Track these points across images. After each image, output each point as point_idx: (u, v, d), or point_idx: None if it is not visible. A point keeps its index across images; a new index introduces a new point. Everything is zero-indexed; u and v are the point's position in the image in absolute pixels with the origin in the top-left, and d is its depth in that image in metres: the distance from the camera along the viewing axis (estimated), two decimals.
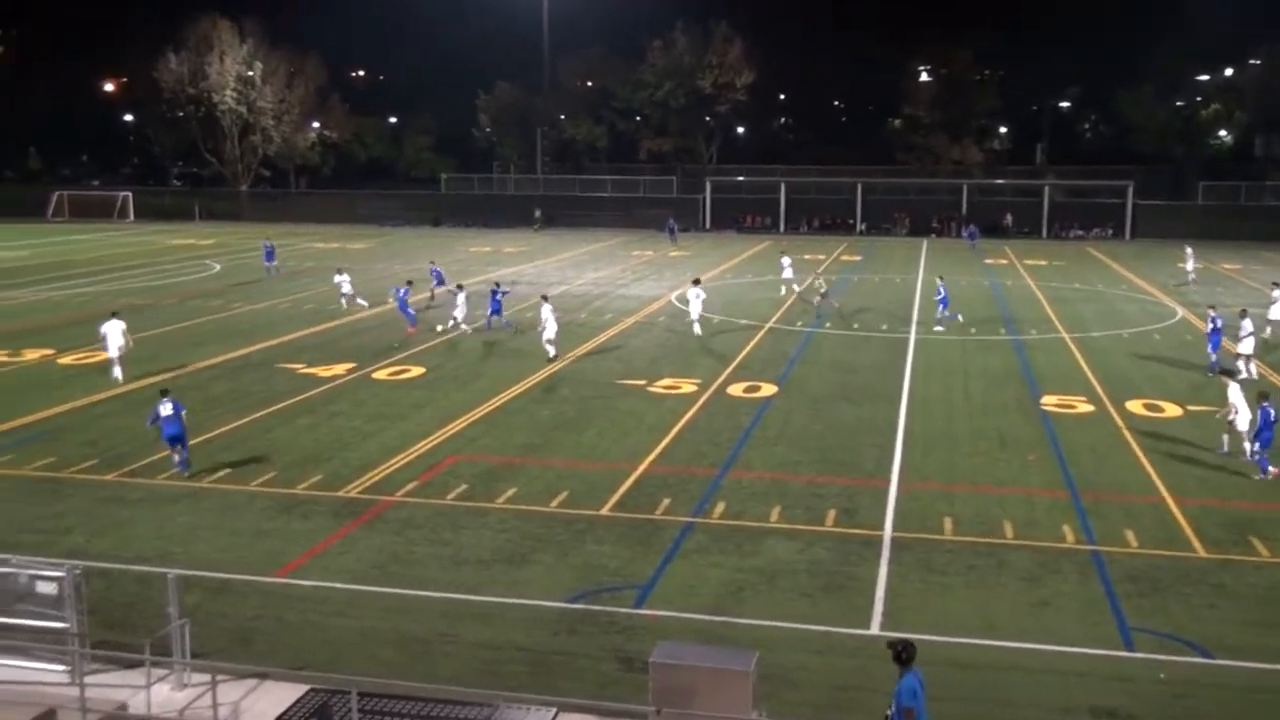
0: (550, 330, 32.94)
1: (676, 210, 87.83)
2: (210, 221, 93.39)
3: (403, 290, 39.12)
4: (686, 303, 39.99)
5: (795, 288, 47.42)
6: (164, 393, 22.07)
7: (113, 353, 29.82)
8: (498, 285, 39.52)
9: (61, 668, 13.73)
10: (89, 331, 34.94)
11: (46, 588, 13.63)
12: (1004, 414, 26.90)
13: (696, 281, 40.15)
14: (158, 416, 21.61)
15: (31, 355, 33.46)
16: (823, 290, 43.74)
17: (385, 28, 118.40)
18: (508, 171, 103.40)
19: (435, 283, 45.84)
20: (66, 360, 32.33)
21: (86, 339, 34.04)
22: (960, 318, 40.14)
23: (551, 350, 32.86)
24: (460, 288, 39.15)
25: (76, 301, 45.08)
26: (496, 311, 38.21)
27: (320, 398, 28.30)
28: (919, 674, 10.83)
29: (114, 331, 29.93)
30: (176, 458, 21.81)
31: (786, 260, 49.24)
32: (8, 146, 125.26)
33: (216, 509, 19.90)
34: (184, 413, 21.93)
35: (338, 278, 44.35)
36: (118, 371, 29.70)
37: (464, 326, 37.47)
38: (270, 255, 54.20)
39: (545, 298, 35.13)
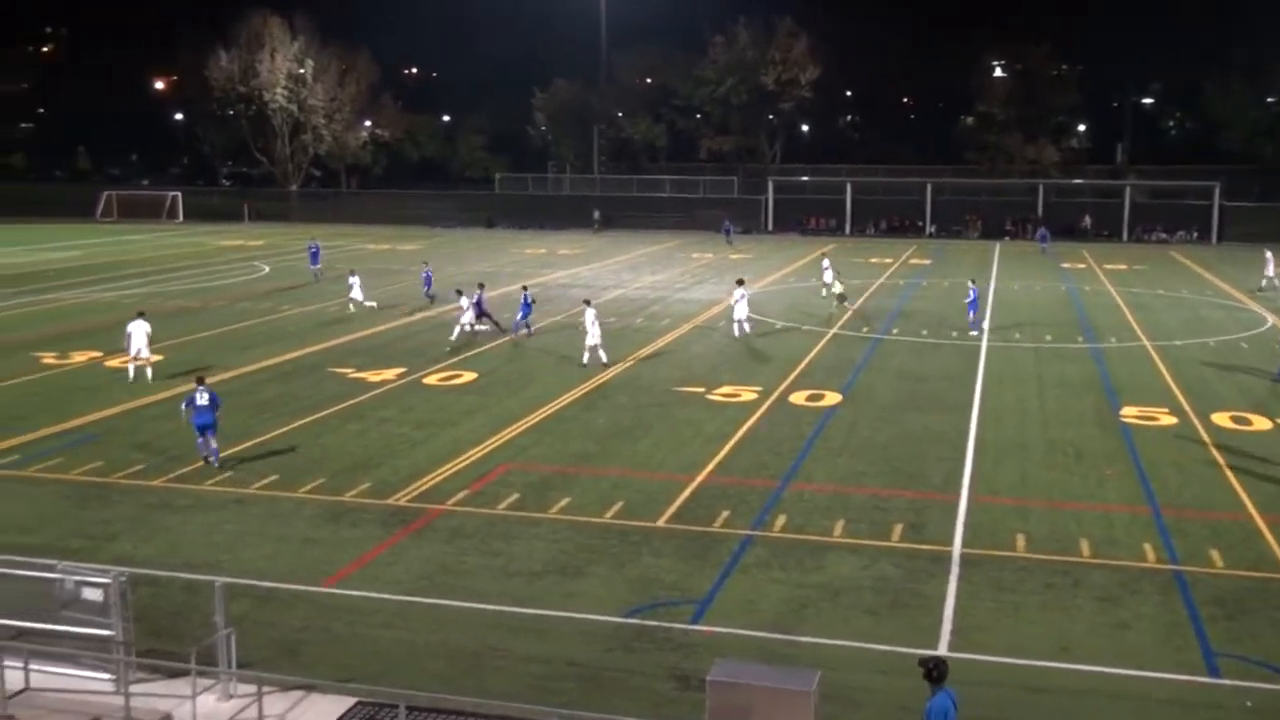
0: (592, 336, 33.04)
1: (737, 211, 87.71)
2: (260, 222, 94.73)
3: (477, 295, 38.89)
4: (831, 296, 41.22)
5: (838, 289, 47.23)
6: (200, 380, 23.40)
7: (133, 353, 30.90)
8: (525, 289, 39.97)
9: (107, 676, 13.96)
10: None
11: (92, 594, 13.86)
12: (1081, 425, 26.55)
13: (740, 282, 40.05)
14: (192, 401, 22.77)
15: (80, 358, 34.12)
16: (836, 291, 43.79)
17: (439, 24, 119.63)
18: (563, 171, 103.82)
19: (425, 287, 46.11)
20: (115, 363, 32.89)
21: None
22: (986, 325, 39.80)
23: (587, 357, 32.92)
24: (459, 293, 39.43)
25: (126, 303, 45.87)
26: (526, 315, 38.53)
27: (370, 403, 28.58)
28: (952, 693, 10.72)
29: (138, 332, 30.94)
30: (206, 448, 22.93)
31: (827, 263, 49.44)
32: (57, 146, 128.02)
33: (264, 516, 20.15)
34: (220, 407, 23.07)
35: (350, 279, 44.81)
36: (133, 371, 30.83)
37: (467, 328, 37.59)
38: (315, 257, 54.38)
39: (588, 302, 35.27)
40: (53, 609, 14.00)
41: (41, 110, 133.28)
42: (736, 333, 37.74)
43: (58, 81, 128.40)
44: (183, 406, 23.24)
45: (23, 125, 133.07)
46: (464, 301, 38.13)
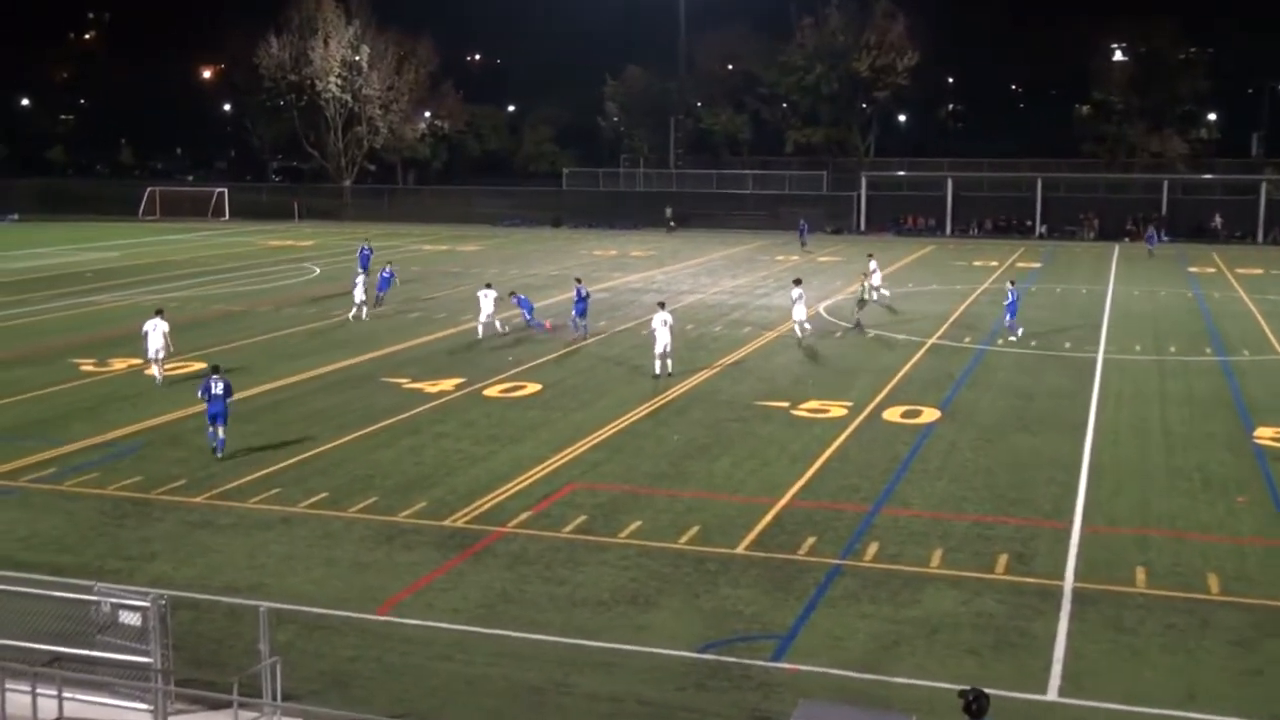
0: (661, 343, 33.15)
1: (827, 210, 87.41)
2: (310, 220, 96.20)
3: (519, 298, 40.42)
4: (870, 303, 41.44)
5: (884, 293, 47.29)
6: (215, 369, 25.72)
7: (151, 354, 32.12)
8: (579, 282, 40.89)
9: (144, 706, 14.18)
10: (182, 340, 36.25)
11: (130, 619, 14.11)
12: (1209, 448, 26.07)
13: (798, 282, 40.85)
14: (208, 389, 24.86)
15: (119, 365, 34.85)
16: (870, 296, 43.42)
17: (504, 7, 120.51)
18: (637, 166, 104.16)
19: (380, 289, 46.46)
20: (152, 370, 33.49)
21: (180, 347, 35.21)
22: (1021, 331, 39.48)
23: (659, 366, 33.13)
24: (488, 287, 40.58)
25: (169, 307, 46.63)
26: (582, 313, 39.42)
27: (426, 416, 28.85)
28: None
29: (155, 332, 32.12)
30: (215, 437, 24.84)
31: (874, 264, 48.83)
32: (98, 139, 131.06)
33: (312, 537, 20.41)
34: (231, 396, 25.40)
35: (356, 279, 44.85)
36: (156, 372, 32.17)
37: (480, 326, 39.58)
38: (365, 261, 53.48)
39: (662, 305, 35.36)
40: (88, 633, 14.27)
41: (82, 101, 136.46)
42: (799, 334, 38.60)
43: (99, 71, 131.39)
44: (199, 394, 25.52)
45: (62, 117, 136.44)
46: (482, 298, 39.73)
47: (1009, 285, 41.75)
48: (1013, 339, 38.95)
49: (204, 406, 25.29)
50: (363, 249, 55.48)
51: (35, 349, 37.88)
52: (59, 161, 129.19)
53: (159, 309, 34.22)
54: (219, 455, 24.68)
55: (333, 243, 76.34)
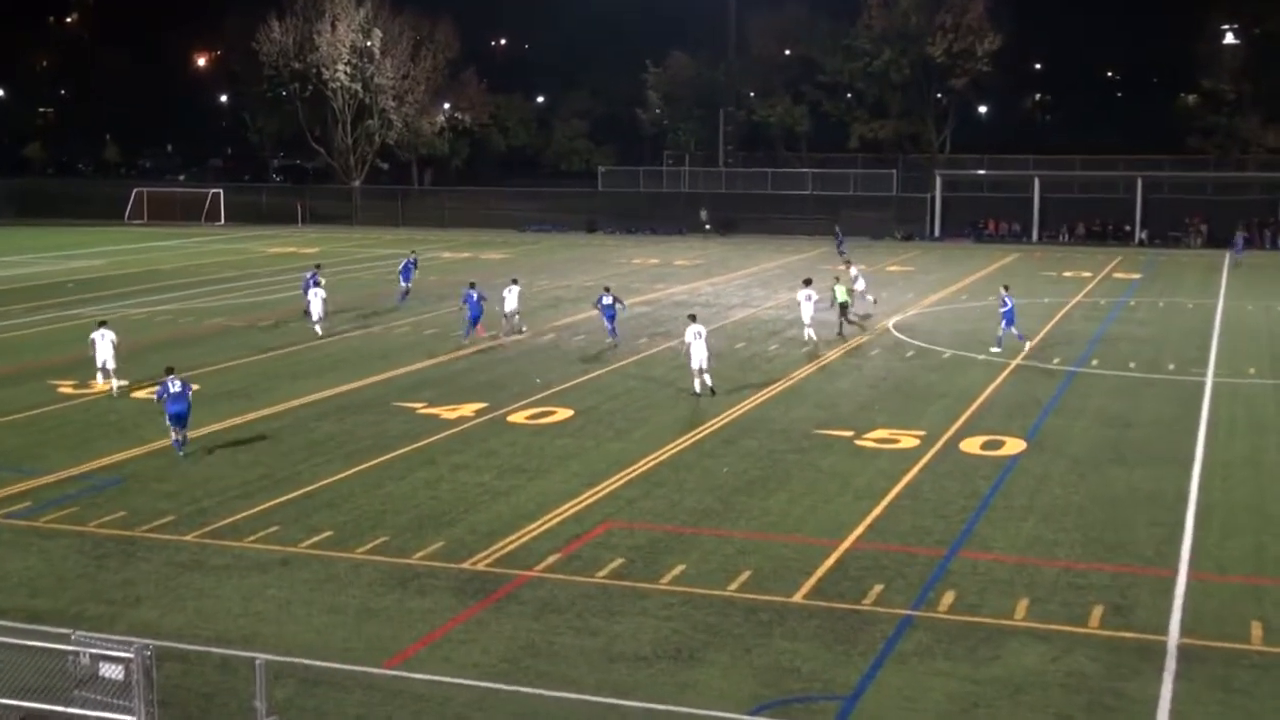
0: (697, 358, 33.57)
1: (897, 213, 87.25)
2: (316, 225, 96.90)
3: (471, 294, 42.94)
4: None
5: (869, 298, 48.68)
6: (169, 370, 28.46)
7: (99, 365, 34.30)
8: (607, 290, 42.95)
9: None
10: (173, 359, 36.51)
11: (112, 671, 14.16)
12: None
13: (808, 282, 43.17)
14: (165, 391, 27.51)
15: (102, 386, 35.10)
16: (841, 300, 44.16)
17: None
18: (682, 164, 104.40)
19: (306, 300, 46.25)
20: (143, 393, 33.80)
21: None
22: (1027, 343, 40.58)
23: (699, 385, 33.66)
24: (514, 283, 45.17)
25: (158, 322, 47.28)
26: (612, 319, 41.74)
27: (443, 445, 28.93)
28: None
29: (103, 342, 34.36)
30: (176, 438, 27.73)
31: (855, 270, 50.13)
32: (81, 134, 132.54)
33: (315, 581, 20.48)
34: (191, 392, 28.12)
35: (313, 289, 44.77)
36: (115, 388, 34.10)
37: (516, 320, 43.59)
38: (408, 272, 52.90)
39: (693, 317, 35.70)
40: (65, 687, 14.34)
41: (63, 92, 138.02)
42: (807, 338, 41.77)
43: (82, 58, 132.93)
44: (156, 398, 28.43)
45: (41, 110, 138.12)
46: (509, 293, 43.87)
47: (1003, 291, 42.19)
48: (994, 350, 39.98)
49: (203, 430, 25.83)
50: (408, 260, 54.23)
51: (9, 369, 38.31)
52: (37, 159, 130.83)
53: (103, 320, 36.76)
54: (181, 453, 27.58)
55: (341, 250, 76.87)
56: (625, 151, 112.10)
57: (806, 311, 41.82)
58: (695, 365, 33.63)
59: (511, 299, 44.16)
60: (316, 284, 45.16)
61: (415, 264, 54.22)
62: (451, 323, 46.02)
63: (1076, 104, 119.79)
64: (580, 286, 57.26)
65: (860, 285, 48.63)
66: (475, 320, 42.31)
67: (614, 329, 41.64)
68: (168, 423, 27.83)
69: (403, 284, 52.24)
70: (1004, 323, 40.54)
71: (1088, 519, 23.60)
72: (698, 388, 33.73)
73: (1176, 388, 35.50)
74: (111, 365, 34.22)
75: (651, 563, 21.15)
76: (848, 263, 54.15)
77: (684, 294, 55.96)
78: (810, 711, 16.03)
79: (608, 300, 41.46)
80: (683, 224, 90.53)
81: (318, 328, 43.70)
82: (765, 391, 34.73)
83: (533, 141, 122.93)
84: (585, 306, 50.19)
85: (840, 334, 43.29)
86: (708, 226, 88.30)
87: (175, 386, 27.46)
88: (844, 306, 44.03)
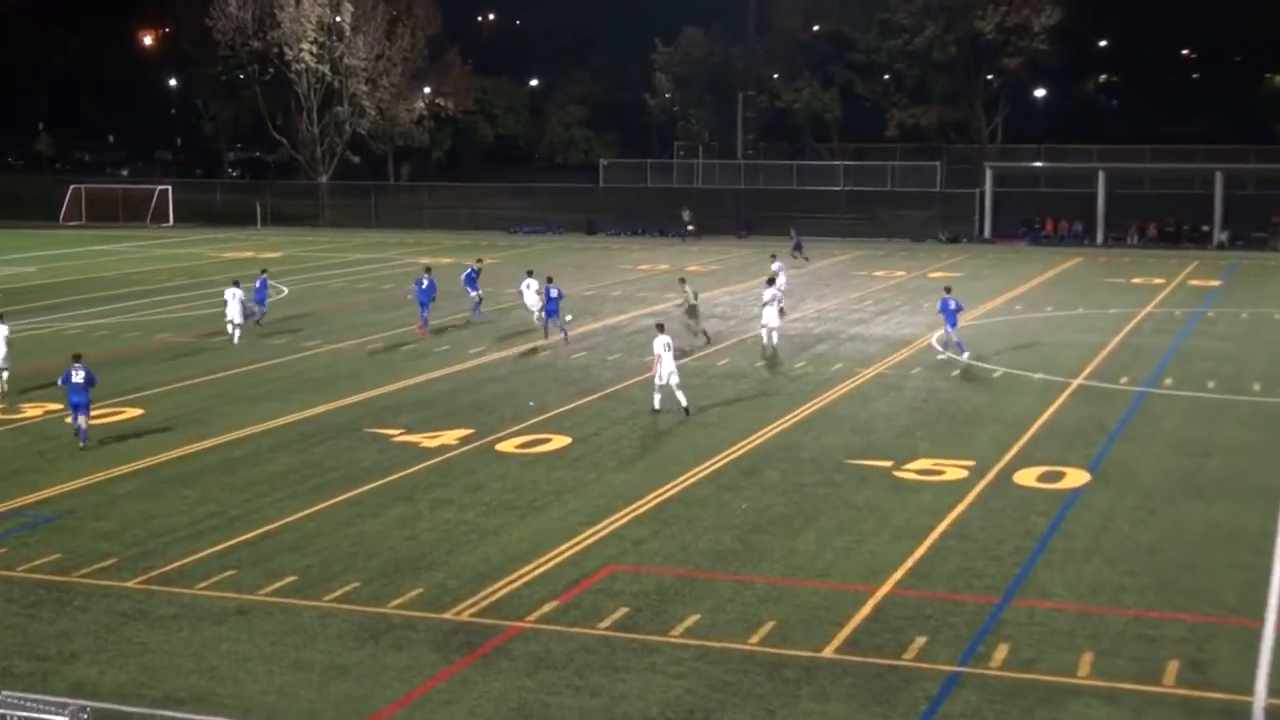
0: (665, 372, 34.11)
1: (942, 211, 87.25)
2: (277, 226, 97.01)
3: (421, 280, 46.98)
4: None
5: (779, 305, 49.26)
6: (77, 357, 31.44)
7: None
8: (550, 281, 46.64)
9: None
10: (114, 380, 36.60)
11: None
12: None
13: (771, 281, 45.21)
14: (68, 378, 30.60)
15: (33, 411, 35.15)
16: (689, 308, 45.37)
17: None
18: (695, 155, 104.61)
19: (259, 305, 48.91)
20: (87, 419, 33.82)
21: (108, 389, 35.60)
22: (966, 355, 41.62)
23: (658, 400, 34.44)
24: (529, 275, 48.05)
25: (96, 337, 47.27)
26: (553, 314, 45.12)
27: (422, 477, 28.92)
28: None
29: None
30: (77, 424, 30.78)
31: (778, 265, 53.26)
32: (9, 123, 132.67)
33: (276, 633, 20.46)
34: (94, 383, 31.16)
35: (229, 292, 45.86)
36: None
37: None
38: (472, 282, 52.29)
39: (661, 327, 35.93)
40: None
41: None
42: (764, 340, 43.80)
43: (9, 36, 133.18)
44: (59, 382, 31.34)
45: None
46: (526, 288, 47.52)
47: (945, 292, 43.68)
48: (940, 356, 42.30)
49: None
50: (470, 270, 53.59)
51: None
52: None
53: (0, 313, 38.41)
54: (83, 445, 30.63)
55: (306, 254, 76.92)
56: (630, 142, 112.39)
57: (770, 314, 43.54)
58: (661, 380, 34.20)
59: (530, 296, 47.40)
60: (237, 286, 47.24)
61: (478, 272, 53.64)
62: (431, 340, 46.03)
63: (1147, 87, 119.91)
64: (579, 296, 57.27)
65: (770, 293, 46.58)
66: (552, 314, 45.72)
67: (548, 324, 45.74)
68: (70, 411, 31.17)
69: (473, 293, 51.83)
70: (946, 325, 42.50)
71: (1160, 561, 23.55)
72: (657, 403, 34.45)
73: (1262, 411, 35.47)
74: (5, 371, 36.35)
75: (660, 612, 21.12)
76: (773, 257, 57.60)
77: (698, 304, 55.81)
78: None
79: (554, 292, 45.41)
80: (668, 225, 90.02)
81: (236, 335, 45.75)
82: (791, 415, 34.71)
83: (524, 131, 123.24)
84: (587, 320, 50.28)
85: (706, 340, 45.15)
86: (690, 228, 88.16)
87: (78, 376, 30.62)
88: (692, 310, 45.40)
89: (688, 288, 45.90)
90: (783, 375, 40.27)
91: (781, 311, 45.80)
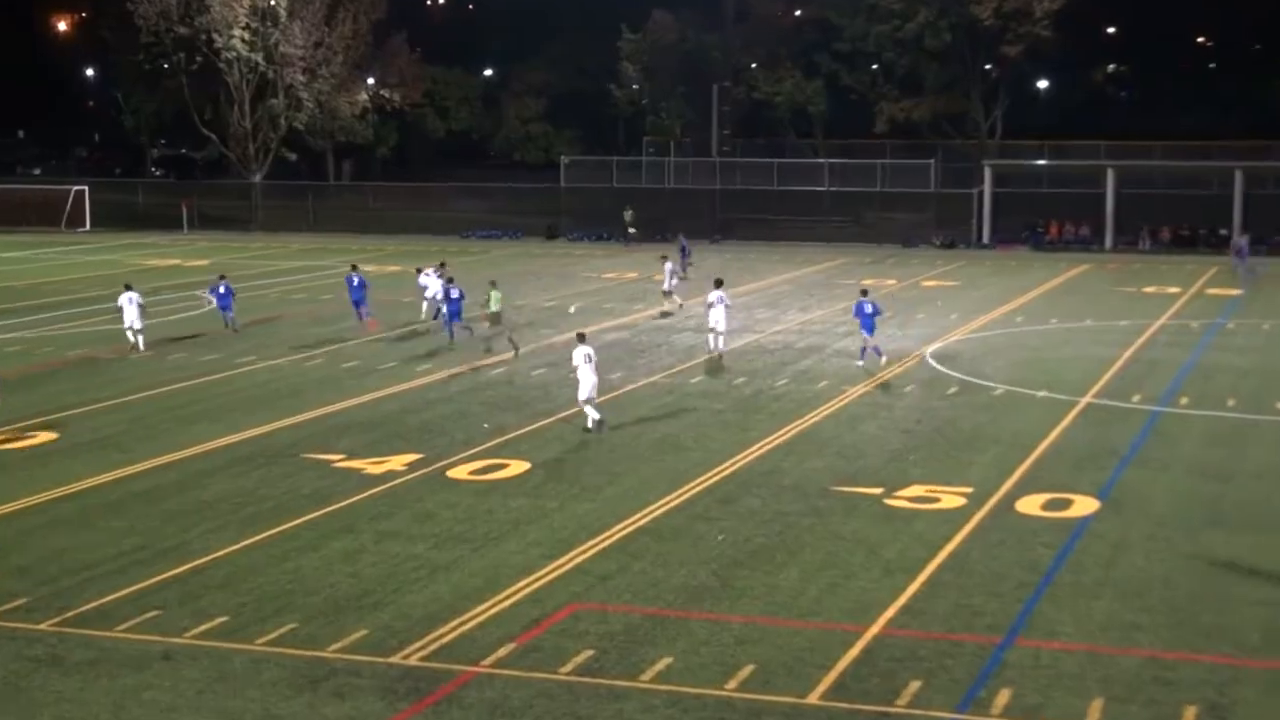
0: (586, 387, 34.89)
1: (937, 212, 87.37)
2: (206, 230, 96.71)
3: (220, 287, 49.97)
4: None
5: (676, 300, 53.12)
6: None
7: None
8: (443, 263, 50.93)
9: None
10: (26, 399, 36.43)
11: None
12: None
13: (719, 284, 46.63)
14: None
15: None
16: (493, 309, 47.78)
17: None
18: (666, 153, 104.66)
19: (225, 310, 51.26)
20: None
21: (20, 410, 35.49)
22: (883, 360, 43.54)
23: (593, 416, 35.00)
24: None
25: (7, 354, 47.01)
26: (456, 316, 47.42)
27: (366, 507, 28.85)
28: None
29: None
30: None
31: (669, 266, 55.89)
32: None
33: (204, 680, 20.35)
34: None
35: (124, 298, 46.83)
36: None
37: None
38: (462, 302, 52.15)
39: (582, 337, 36.56)
40: None
41: None
42: (711, 346, 45.82)
43: None
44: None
45: None
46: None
47: (862, 295, 44.98)
48: (859, 364, 43.71)
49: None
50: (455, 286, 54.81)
51: None
52: None
53: None
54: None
55: (238, 261, 76.65)
56: (594, 138, 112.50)
57: (716, 317, 45.38)
58: (583, 395, 34.91)
59: (432, 285, 49.52)
60: (217, 292, 51.33)
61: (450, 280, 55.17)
62: (377, 351, 45.96)
63: (1159, 78, 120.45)
64: (538, 307, 57.22)
65: (716, 295, 47.56)
66: (455, 316, 47.59)
67: (451, 329, 47.84)
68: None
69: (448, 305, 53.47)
70: (863, 330, 43.53)
71: (1177, 597, 23.62)
72: (590, 422, 34.93)
73: None
74: None
75: (629, 654, 21.10)
76: (663, 257, 59.57)
77: (669, 316, 55.90)
78: None
79: (455, 293, 47.64)
80: (614, 229, 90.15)
81: (139, 341, 46.91)
82: (772, 437, 34.72)
83: (478, 125, 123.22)
84: (546, 332, 50.31)
85: (513, 348, 46.17)
86: (632, 230, 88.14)
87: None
88: (495, 316, 46.97)
89: (494, 293, 47.60)
90: (765, 392, 40.29)
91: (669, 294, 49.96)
